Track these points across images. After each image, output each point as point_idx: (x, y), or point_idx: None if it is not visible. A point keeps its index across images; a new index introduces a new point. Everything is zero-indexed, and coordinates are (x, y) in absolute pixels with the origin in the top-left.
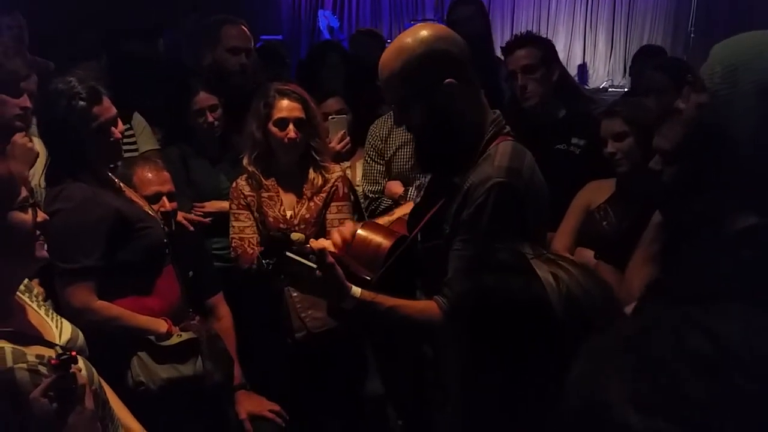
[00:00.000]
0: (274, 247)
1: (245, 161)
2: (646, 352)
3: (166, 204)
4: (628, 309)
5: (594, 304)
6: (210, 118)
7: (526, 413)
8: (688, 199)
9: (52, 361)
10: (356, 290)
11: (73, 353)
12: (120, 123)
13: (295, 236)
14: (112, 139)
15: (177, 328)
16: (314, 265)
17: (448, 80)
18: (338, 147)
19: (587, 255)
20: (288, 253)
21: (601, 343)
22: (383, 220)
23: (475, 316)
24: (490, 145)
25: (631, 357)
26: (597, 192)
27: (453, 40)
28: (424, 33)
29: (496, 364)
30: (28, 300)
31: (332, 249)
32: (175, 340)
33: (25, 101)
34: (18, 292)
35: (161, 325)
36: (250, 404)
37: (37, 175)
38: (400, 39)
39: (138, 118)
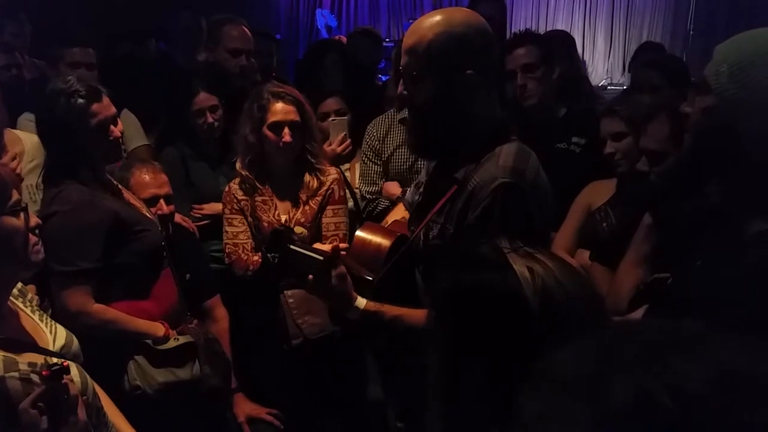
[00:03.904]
0: (277, 240)
1: (238, 165)
2: (602, 399)
3: (164, 207)
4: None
5: (570, 298)
6: (210, 119)
7: (505, 407)
8: (680, 201)
9: (44, 372)
10: (361, 301)
11: (65, 363)
12: (120, 122)
13: (298, 230)
14: (111, 137)
15: (174, 331)
16: (320, 257)
17: (470, 71)
18: (339, 149)
19: (587, 256)
20: (292, 246)
21: (558, 377)
22: None
23: (452, 311)
24: (495, 145)
25: (587, 403)
26: (598, 192)
27: (491, 35)
28: (471, 17)
29: (475, 358)
30: (21, 305)
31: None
32: (172, 343)
33: None
34: (11, 297)
35: (158, 329)
36: (248, 407)
37: (33, 177)
38: (445, 11)
39: (126, 114)
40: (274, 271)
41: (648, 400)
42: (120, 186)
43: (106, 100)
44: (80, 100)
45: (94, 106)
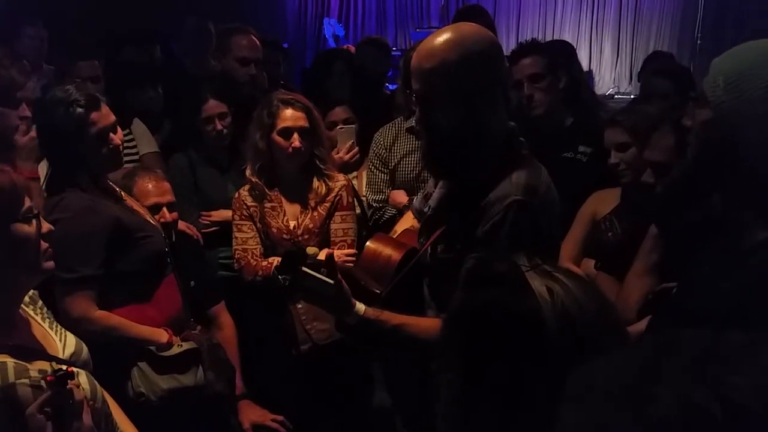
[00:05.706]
0: (290, 262)
1: (248, 172)
2: (650, 410)
3: (166, 215)
4: (638, 327)
5: (589, 319)
6: (219, 126)
7: (521, 427)
8: (684, 212)
9: (48, 378)
10: (360, 307)
11: (70, 369)
12: (119, 130)
13: (311, 251)
14: (111, 145)
15: (178, 338)
16: (331, 281)
17: (486, 87)
18: (347, 157)
19: (592, 265)
20: (304, 268)
21: (602, 388)
22: None
23: (468, 328)
24: (508, 158)
25: (634, 415)
26: (603, 202)
27: (500, 48)
28: (481, 32)
29: (490, 377)
30: (32, 312)
31: (347, 259)
32: (175, 350)
33: (24, 111)
34: (23, 305)
35: (162, 335)
36: (253, 414)
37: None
38: (455, 28)
39: (137, 123)
40: (284, 291)
41: (698, 411)
42: (123, 192)
43: (105, 108)
44: (79, 109)
45: (93, 115)
